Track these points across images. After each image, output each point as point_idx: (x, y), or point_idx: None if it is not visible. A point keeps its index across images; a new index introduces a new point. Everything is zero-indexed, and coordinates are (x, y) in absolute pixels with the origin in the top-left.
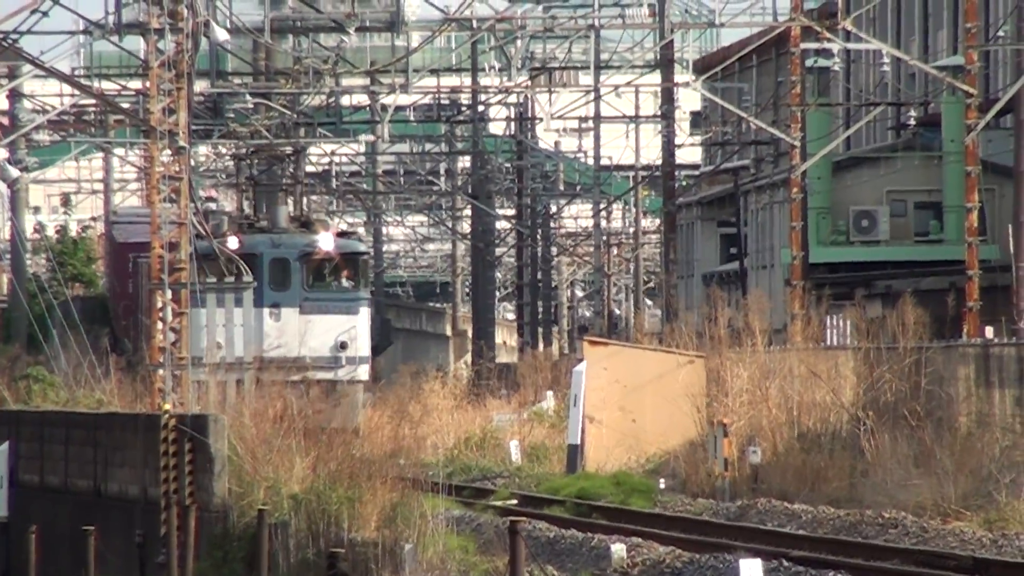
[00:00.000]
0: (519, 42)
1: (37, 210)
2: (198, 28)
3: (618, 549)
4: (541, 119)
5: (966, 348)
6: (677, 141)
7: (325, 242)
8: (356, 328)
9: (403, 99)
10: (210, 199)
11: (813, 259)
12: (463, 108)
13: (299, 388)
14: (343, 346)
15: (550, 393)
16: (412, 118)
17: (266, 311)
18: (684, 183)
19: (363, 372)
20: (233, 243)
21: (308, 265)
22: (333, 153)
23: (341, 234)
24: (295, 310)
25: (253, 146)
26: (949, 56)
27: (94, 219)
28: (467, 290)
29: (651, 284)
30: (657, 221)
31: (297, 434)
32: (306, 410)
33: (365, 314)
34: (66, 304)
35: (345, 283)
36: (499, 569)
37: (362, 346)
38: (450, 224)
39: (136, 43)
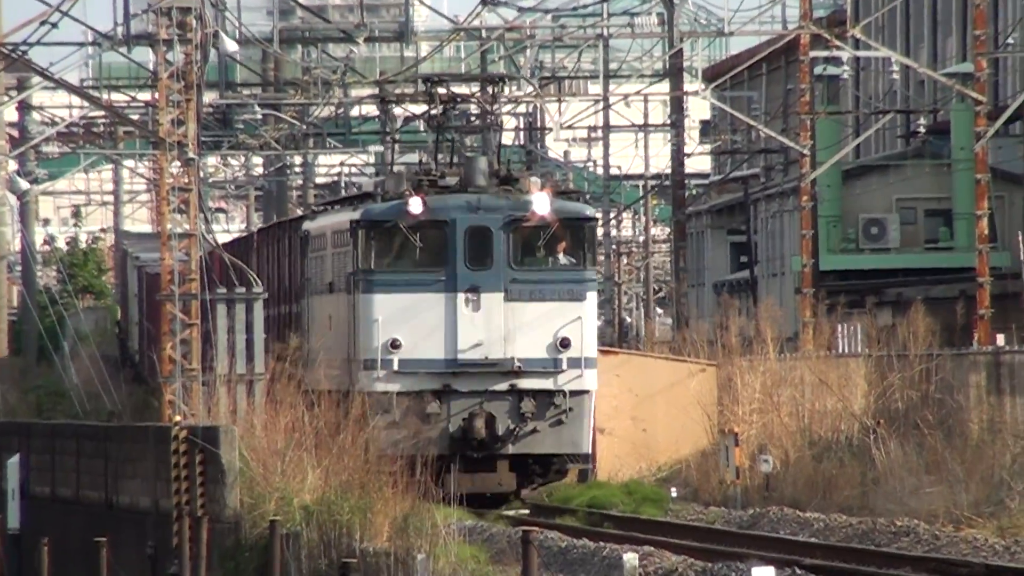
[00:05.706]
0: (528, 52)
1: (47, 222)
2: (207, 39)
3: (630, 558)
4: (550, 128)
5: (977, 356)
6: (687, 150)
7: (540, 204)
8: (582, 320)
9: (412, 108)
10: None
11: (823, 267)
12: (472, 117)
13: (506, 400)
14: (564, 344)
15: None
16: (422, 128)
17: (461, 297)
18: (694, 192)
19: (590, 379)
20: (416, 206)
21: (517, 235)
22: (342, 164)
23: (560, 193)
24: (499, 295)
25: (442, 93)
26: (958, 63)
27: (103, 231)
28: None
29: (661, 293)
30: (667, 230)
31: (308, 445)
32: (519, 429)
33: (592, 301)
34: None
35: (565, 259)
36: None
37: (588, 344)
38: None
39: (145, 54)
